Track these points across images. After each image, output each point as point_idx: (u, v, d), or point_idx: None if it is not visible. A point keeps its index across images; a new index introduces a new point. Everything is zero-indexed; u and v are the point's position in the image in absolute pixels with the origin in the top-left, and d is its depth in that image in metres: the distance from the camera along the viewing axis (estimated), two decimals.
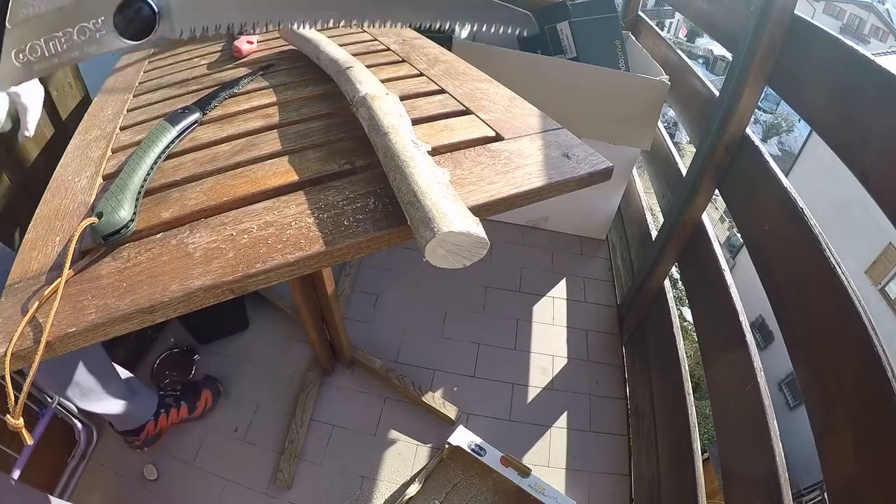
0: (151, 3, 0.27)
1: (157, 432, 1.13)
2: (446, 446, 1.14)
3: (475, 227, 0.36)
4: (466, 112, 0.58)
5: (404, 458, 1.19)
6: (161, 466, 1.13)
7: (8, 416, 0.31)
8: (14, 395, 0.32)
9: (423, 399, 1.25)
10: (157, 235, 0.41)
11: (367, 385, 1.31)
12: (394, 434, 1.23)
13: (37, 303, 0.33)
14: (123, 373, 1.05)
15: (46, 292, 0.34)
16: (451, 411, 1.24)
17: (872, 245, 6.16)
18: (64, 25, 0.26)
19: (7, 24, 0.24)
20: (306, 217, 0.41)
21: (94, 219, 0.38)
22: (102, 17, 0.26)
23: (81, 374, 0.94)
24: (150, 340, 1.36)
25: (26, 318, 0.32)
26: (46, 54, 0.26)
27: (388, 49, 0.75)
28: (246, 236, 0.39)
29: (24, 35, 0.25)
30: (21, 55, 0.25)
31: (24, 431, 0.31)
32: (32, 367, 0.31)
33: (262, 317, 1.45)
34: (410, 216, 0.38)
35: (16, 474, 0.93)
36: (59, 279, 0.34)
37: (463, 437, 1.15)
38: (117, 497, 1.09)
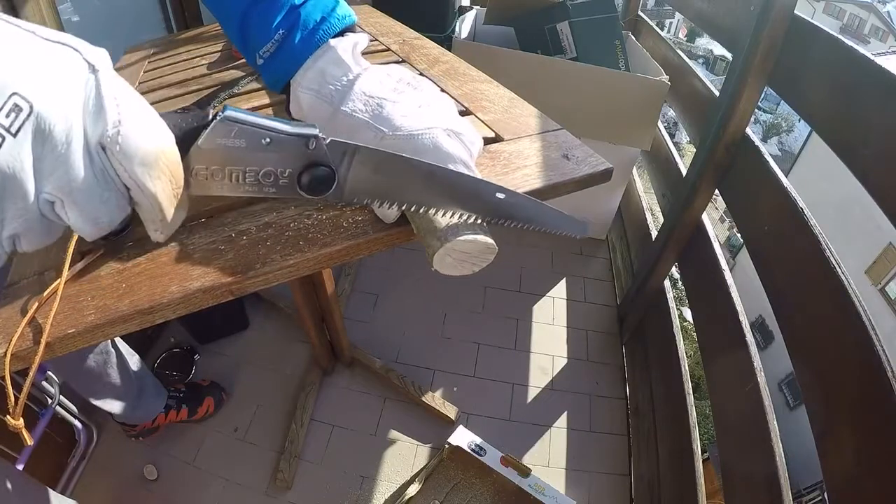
0: (334, 169, 0.31)
1: (154, 427, 1.13)
2: (446, 446, 1.14)
3: (483, 233, 0.35)
4: (466, 113, 0.58)
5: (404, 458, 1.19)
6: (161, 466, 1.13)
7: (8, 416, 0.31)
8: (14, 395, 0.32)
9: (423, 399, 1.25)
10: None
11: (367, 385, 1.31)
12: (394, 434, 1.23)
13: (36, 303, 0.33)
14: (137, 364, 1.04)
15: (46, 293, 0.34)
16: (451, 411, 1.24)
17: (872, 245, 6.17)
18: (251, 165, 0.29)
19: (199, 143, 0.28)
20: (305, 218, 0.41)
21: None
22: (290, 170, 0.31)
23: (111, 374, 0.96)
24: (150, 340, 1.36)
25: (26, 319, 0.32)
26: (225, 180, 0.30)
27: (389, 49, 0.75)
28: (245, 237, 0.39)
29: (212, 158, 0.28)
30: (200, 174, 0.28)
31: (25, 432, 0.31)
32: (32, 367, 0.31)
33: (262, 317, 1.45)
34: (416, 224, 0.37)
35: None
36: (59, 280, 0.34)
37: (463, 437, 1.15)
38: (117, 497, 1.10)
